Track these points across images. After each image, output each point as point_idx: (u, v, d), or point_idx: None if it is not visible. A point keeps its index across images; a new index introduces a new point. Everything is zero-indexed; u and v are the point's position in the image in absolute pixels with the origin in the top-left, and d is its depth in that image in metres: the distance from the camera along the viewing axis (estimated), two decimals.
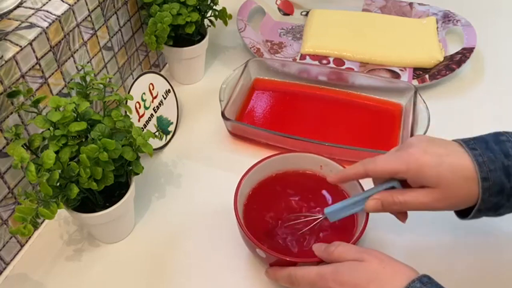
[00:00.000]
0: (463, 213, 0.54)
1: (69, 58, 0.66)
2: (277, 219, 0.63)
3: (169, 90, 0.80)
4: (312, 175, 0.67)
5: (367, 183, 0.60)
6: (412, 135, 0.72)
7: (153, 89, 0.77)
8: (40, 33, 0.59)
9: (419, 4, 1.04)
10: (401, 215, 0.57)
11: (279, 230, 0.61)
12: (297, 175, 0.67)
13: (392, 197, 0.53)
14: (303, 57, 0.94)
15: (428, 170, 0.50)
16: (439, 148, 0.51)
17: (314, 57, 0.94)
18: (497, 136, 0.52)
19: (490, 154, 0.50)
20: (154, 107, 0.77)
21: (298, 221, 0.61)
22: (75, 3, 0.64)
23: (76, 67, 0.68)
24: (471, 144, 0.51)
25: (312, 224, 0.60)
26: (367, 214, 0.58)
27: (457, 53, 0.91)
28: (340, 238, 0.57)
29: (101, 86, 0.61)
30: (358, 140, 0.77)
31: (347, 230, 0.61)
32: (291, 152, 0.67)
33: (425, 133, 0.72)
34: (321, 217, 0.60)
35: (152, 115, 0.77)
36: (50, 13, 0.62)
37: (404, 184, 0.54)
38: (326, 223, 0.61)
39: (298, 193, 0.65)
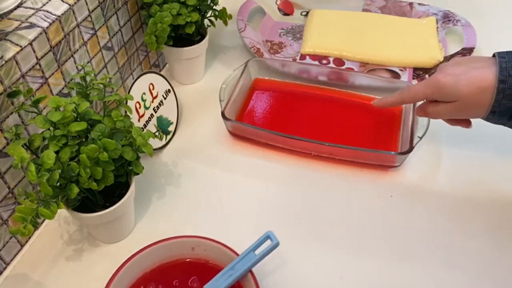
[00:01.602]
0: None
1: (69, 58, 0.66)
2: None
3: (169, 90, 0.80)
4: (184, 263, 0.59)
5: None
6: (412, 135, 0.72)
7: (153, 89, 0.77)
8: (40, 33, 0.59)
9: (419, 4, 1.04)
10: (464, 123, 0.66)
11: None
12: (169, 267, 0.58)
13: (427, 109, 0.65)
14: (303, 57, 0.94)
15: (447, 89, 0.61)
16: (459, 68, 0.61)
17: (314, 57, 0.94)
18: None
19: None
20: (154, 107, 0.77)
21: None
22: (75, 3, 0.64)
23: (76, 67, 0.68)
24: (503, 54, 0.59)
25: None
26: None
27: (457, 53, 0.91)
28: None
29: (101, 86, 0.61)
30: (358, 140, 0.77)
31: None
32: (161, 242, 0.58)
33: (425, 133, 0.72)
34: None
35: (152, 115, 0.77)
36: (50, 13, 0.62)
37: None
38: None
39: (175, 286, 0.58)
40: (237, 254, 0.56)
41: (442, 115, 0.65)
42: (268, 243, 0.55)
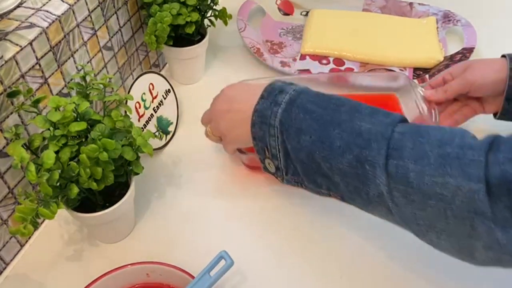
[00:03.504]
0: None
1: (69, 58, 0.66)
2: None
3: (169, 90, 0.80)
4: None
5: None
6: None
7: (153, 89, 0.77)
8: (40, 33, 0.59)
9: (419, 4, 1.04)
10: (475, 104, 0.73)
11: None
12: None
13: (444, 85, 0.72)
14: (303, 57, 0.94)
15: (469, 61, 0.72)
16: None
17: (314, 57, 0.94)
18: None
19: None
20: (154, 107, 0.77)
21: None
22: (75, 3, 0.64)
23: (76, 67, 0.68)
24: None
25: None
26: None
27: (457, 53, 0.91)
28: None
29: (101, 86, 0.61)
30: None
31: None
32: (116, 270, 0.57)
33: None
34: None
35: (152, 115, 0.77)
36: (50, 13, 0.62)
37: None
38: None
39: None
40: (193, 277, 0.55)
41: (455, 84, 0.70)
42: (222, 263, 0.55)
